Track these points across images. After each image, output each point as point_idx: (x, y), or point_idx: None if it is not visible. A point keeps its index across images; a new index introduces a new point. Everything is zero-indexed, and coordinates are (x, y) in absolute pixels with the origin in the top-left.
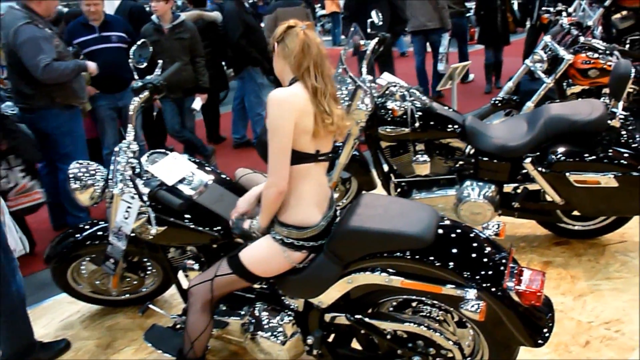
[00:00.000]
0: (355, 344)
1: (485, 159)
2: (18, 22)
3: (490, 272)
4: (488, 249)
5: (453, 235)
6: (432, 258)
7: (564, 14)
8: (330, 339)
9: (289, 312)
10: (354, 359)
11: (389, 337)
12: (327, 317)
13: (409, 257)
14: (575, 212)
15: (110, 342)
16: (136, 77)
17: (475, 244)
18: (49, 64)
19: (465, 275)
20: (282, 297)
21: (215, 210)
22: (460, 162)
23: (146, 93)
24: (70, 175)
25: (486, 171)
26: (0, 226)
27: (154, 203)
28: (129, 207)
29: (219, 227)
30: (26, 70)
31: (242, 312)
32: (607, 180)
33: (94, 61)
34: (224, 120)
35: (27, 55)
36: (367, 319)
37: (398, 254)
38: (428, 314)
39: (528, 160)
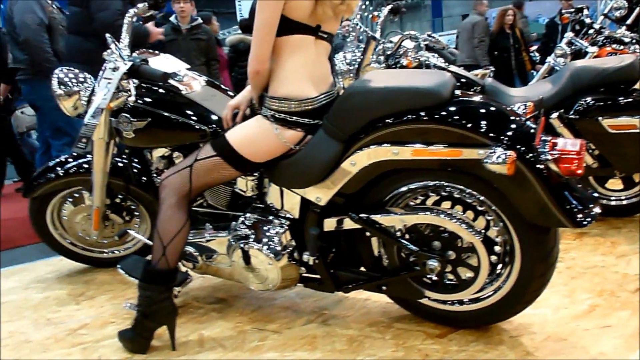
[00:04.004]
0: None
1: None
2: None
3: (519, 133)
4: (514, 115)
5: (472, 98)
6: (449, 116)
7: (585, 11)
8: (328, 258)
9: (283, 221)
10: (356, 281)
11: (400, 238)
12: (327, 224)
13: (421, 116)
14: (610, 184)
15: (84, 291)
16: None
17: (498, 109)
18: (33, 28)
19: (490, 135)
20: (276, 210)
21: (206, 106)
22: None
23: (144, 5)
24: (55, 79)
25: None
26: None
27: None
28: (109, 83)
29: (210, 124)
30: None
31: (230, 229)
32: None
33: None
34: None
35: (16, 12)
36: (373, 216)
37: (408, 116)
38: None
39: (554, 115)
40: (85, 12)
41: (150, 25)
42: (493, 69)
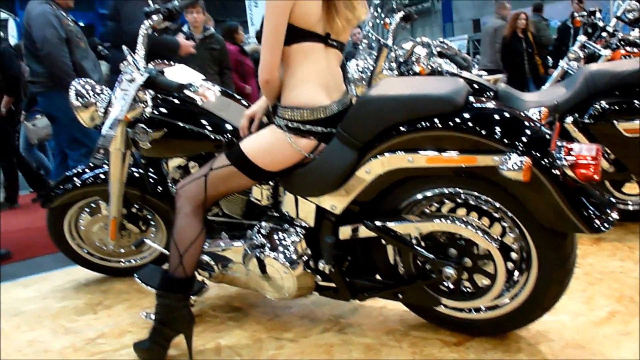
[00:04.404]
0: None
1: None
2: (34, 3)
3: (534, 139)
4: (529, 121)
5: (487, 105)
6: (463, 122)
7: (598, 14)
8: (344, 267)
9: (298, 229)
10: (372, 289)
11: (415, 246)
12: (343, 232)
13: (435, 123)
14: (627, 188)
15: (102, 301)
16: (151, 3)
17: (513, 115)
18: (54, 42)
19: (505, 141)
20: (291, 218)
21: (221, 116)
22: None
23: (159, 17)
24: (73, 91)
25: None
26: None
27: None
28: (125, 94)
29: (225, 133)
30: (37, 48)
31: (246, 238)
32: None
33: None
34: None
35: (35, 27)
36: (389, 224)
37: (423, 124)
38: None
39: (569, 119)
40: (119, 25)
41: (181, 38)
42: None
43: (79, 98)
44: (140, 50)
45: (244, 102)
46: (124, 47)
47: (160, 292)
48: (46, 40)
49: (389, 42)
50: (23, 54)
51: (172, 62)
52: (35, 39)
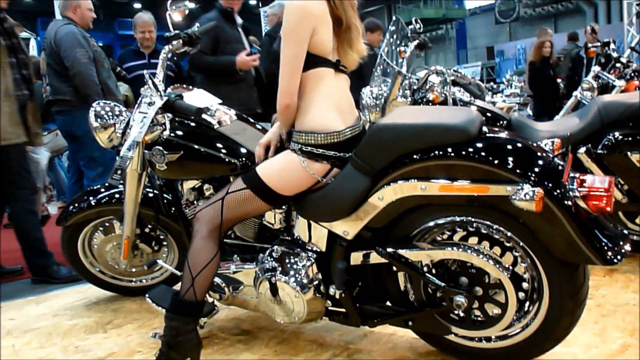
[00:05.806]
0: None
1: None
2: (59, 24)
3: (547, 169)
4: (542, 152)
5: (500, 135)
6: (476, 152)
7: (612, 45)
8: (354, 292)
9: (310, 254)
10: (382, 316)
11: (426, 273)
12: (354, 257)
13: (448, 152)
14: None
15: (112, 319)
16: (172, 29)
17: (526, 145)
18: (84, 62)
19: (517, 171)
20: (303, 242)
21: (237, 140)
22: None
23: (179, 42)
24: (92, 112)
25: None
26: None
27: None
28: (144, 117)
29: (241, 157)
30: (64, 67)
31: (257, 260)
32: None
33: (138, 85)
34: None
35: (65, 46)
36: (400, 251)
37: (436, 152)
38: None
39: (582, 149)
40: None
41: (240, 55)
42: (519, 102)
43: (98, 119)
44: (160, 74)
45: (258, 125)
46: (145, 72)
47: (169, 315)
48: (76, 59)
49: (404, 69)
50: (44, 73)
51: (190, 87)
52: (65, 58)
